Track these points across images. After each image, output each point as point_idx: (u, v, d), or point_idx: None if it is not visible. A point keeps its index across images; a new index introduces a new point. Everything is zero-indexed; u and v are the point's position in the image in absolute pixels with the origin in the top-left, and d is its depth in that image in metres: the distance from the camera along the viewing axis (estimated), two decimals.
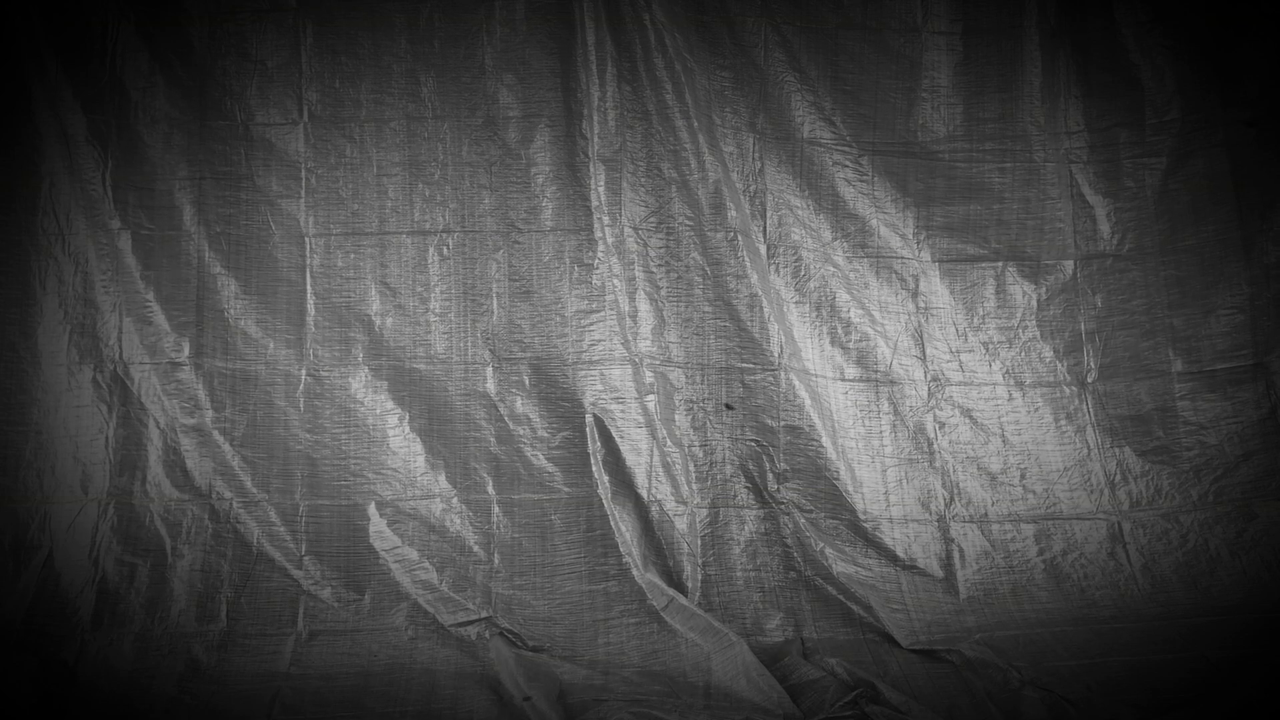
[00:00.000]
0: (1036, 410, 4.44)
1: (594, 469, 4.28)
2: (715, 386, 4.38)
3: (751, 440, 4.36)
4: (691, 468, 4.34)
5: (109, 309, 4.26)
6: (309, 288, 4.31)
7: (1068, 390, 4.43)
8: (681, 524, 4.28)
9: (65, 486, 4.21)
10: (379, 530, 4.25)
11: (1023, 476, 4.40)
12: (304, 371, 4.30)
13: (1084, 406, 4.43)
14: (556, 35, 4.27)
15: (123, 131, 4.23)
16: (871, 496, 4.36)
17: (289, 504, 4.25)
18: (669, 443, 4.32)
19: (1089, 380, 4.43)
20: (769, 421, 4.35)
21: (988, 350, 4.45)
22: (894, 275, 4.44)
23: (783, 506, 4.33)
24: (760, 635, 4.08)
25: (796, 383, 4.32)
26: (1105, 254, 4.46)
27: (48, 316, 4.25)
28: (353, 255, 4.32)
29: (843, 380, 4.44)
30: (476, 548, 4.27)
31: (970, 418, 4.43)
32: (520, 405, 4.34)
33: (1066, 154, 4.43)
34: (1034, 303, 4.45)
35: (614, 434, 4.30)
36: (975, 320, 4.45)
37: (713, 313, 4.35)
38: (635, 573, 4.19)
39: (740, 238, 4.29)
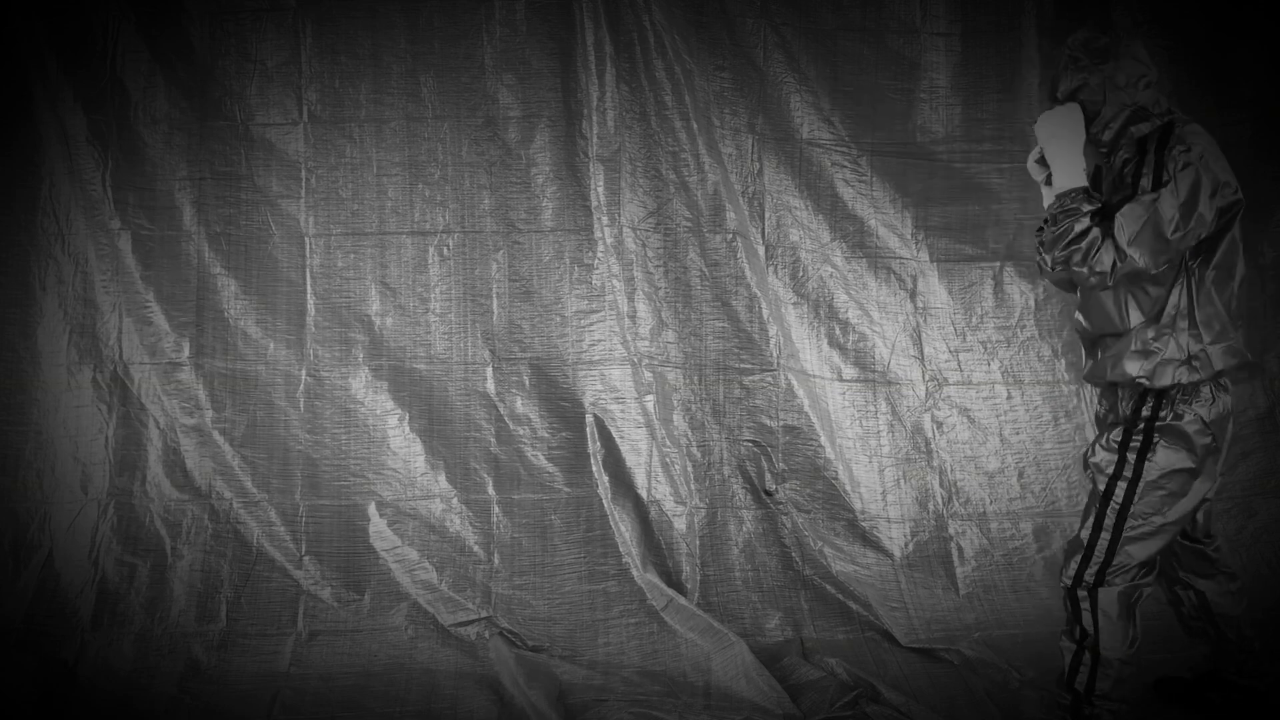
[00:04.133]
0: (1035, 409, 4.45)
1: (594, 469, 4.29)
2: (713, 387, 4.39)
3: (749, 441, 4.37)
4: (690, 468, 4.35)
5: (109, 309, 4.26)
6: (309, 288, 4.31)
7: (1066, 389, 4.45)
8: (680, 524, 4.28)
9: (65, 486, 4.21)
10: (379, 530, 4.25)
11: (1020, 475, 4.42)
12: (304, 372, 4.31)
13: (1082, 404, 4.44)
14: (556, 35, 4.27)
15: (123, 132, 4.23)
16: (869, 496, 4.37)
17: (289, 504, 4.25)
18: (667, 443, 4.33)
19: None
20: (767, 422, 4.35)
21: (986, 349, 4.47)
22: (892, 275, 4.45)
23: (781, 506, 4.33)
24: (759, 635, 4.09)
25: (794, 383, 4.33)
26: None
27: (48, 316, 4.25)
28: (353, 255, 4.32)
29: (841, 380, 4.45)
30: (476, 548, 4.27)
31: (968, 417, 4.44)
32: (520, 405, 4.34)
33: None
34: (1032, 302, 4.47)
35: (614, 434, 4.31)
36: (973, 320, 4.47)
37: (711, 313, 4.36)
38: (635, 573, 4.19)
39: (739, 239, 4.30)
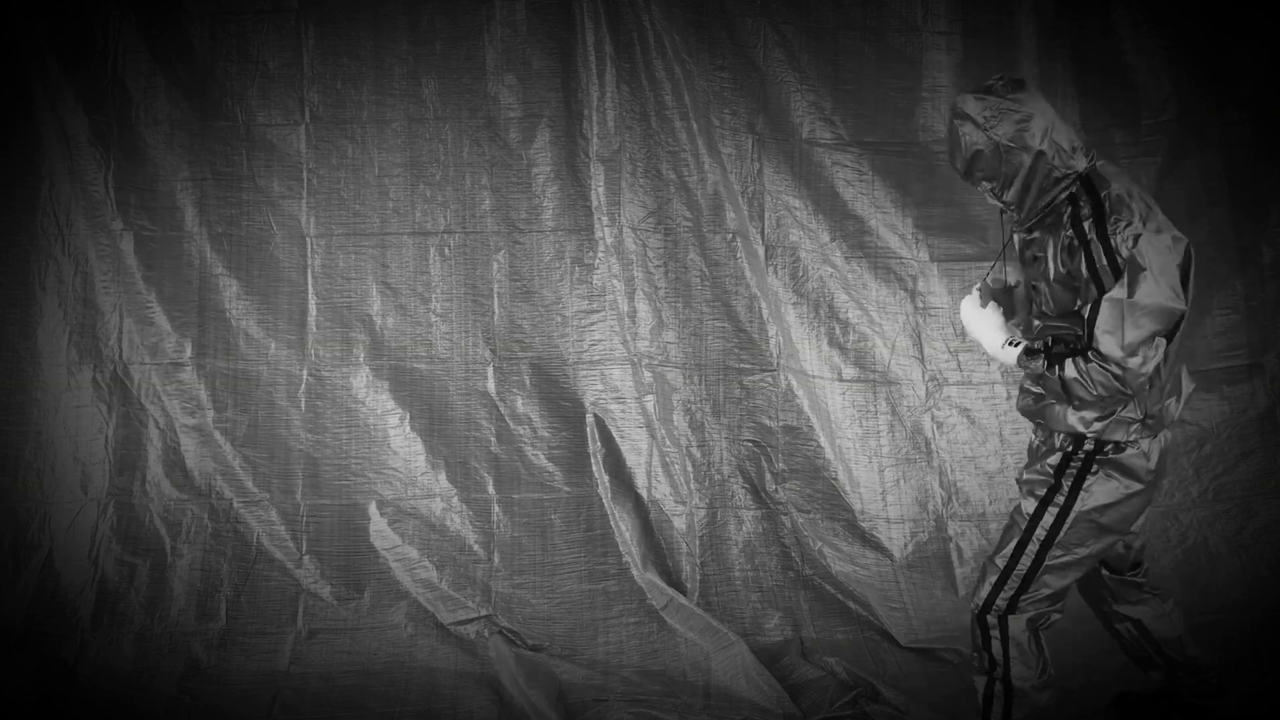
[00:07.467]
0: None
1: (594, 469, 4.29)
2: (713, 387, 4.39)
3: (749, 441, 4.37)
4: (690, 468, 4.35)
5: (109, 309, 4.27)
6: (310, 288, 4.31)
7: None
8: (680, 524, 4.29)
9: (65, 486, 4.21)
10: (379, 529, 4.25)
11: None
12: (305, 371, 4.31)
13: None
14: (557, 36, 4.27)
15: (124, 132, 4.23)
16: (869, 496, 4.37)
17: (290, 503, 4.25)
18: (667, 442, 4.33)
19: None
20: (767, 422, 4.35)
21: None
22: (892, 275, 4.45)
23: (781, 506, 4.33)
24: (759, 635, 4.09)
25: (794, 383, 4.33)
26: None
27: (48, 316, 4.25)
28: (354, 256, 4.32)
29: (840, 380, 4.44)
30: (476, 546, 4.27)
31: (968, 417, 4.44)
32: (521, 405, 4.34)
33: None
34: None
35: (614, 434, 4.31)
36: None
37: (711, 313, 4.36)
38: (635, 572, 4.19)
39: (739, 239, 4.30)
